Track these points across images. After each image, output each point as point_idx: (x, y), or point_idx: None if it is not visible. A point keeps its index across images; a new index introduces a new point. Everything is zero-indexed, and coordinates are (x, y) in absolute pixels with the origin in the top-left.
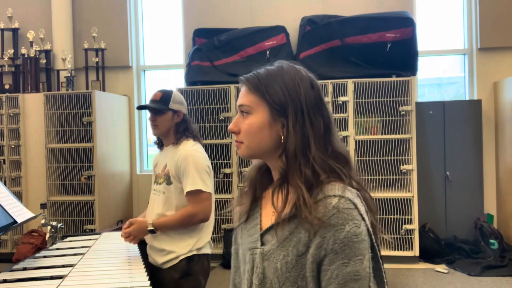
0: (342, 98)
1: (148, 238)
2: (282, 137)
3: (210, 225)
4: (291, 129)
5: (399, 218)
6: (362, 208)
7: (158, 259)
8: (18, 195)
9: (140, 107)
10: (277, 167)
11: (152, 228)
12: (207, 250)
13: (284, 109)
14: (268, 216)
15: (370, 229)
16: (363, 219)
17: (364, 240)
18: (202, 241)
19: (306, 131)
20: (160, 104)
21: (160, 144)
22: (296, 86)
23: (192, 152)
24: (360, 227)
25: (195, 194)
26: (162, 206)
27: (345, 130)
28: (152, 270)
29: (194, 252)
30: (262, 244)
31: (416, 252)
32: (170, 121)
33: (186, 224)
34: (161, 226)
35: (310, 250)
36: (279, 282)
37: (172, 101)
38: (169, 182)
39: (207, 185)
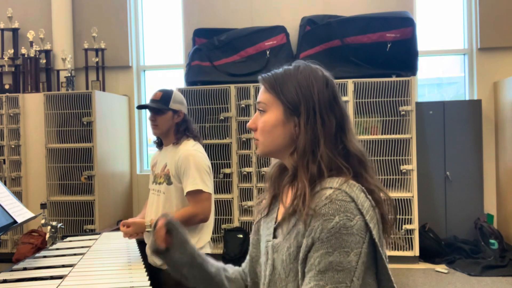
0: (342, 98)
1: (147, 239)
2: (295, 135)
3: (210, 225)
4: (303, 128)
5: (399, 218)
6: (364, 203)
7: (158, 260)
8: (18, 195)
9: (140, 107)
10: (289, 164)
11: (150, 229)
12: (207, 250)
13: (297, 108)
14: (283, 210)
15: (370, 225)
16: (361, 213)
17: (355, 234)
18: (202, 241)
19: (317, 130)
20: (160, 104)
21: (160, 144)
22: (310, 86)
23: (193, 152)
24: (353, 221)
25: (195, 194)
26: (162, 206)
27: None
28: (152, 271)
29: None
30: (274, 237)
31: (416, 252)
32: (171, 120)
33: (186, 224)
34: None
35: (305, 239)
36: (285, 273)
37: (172, 101)
38: (169, 182)
39: (208, 185)
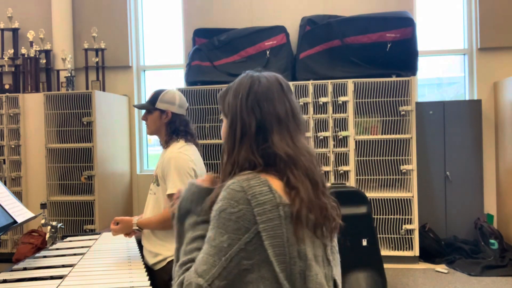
0: (342, 98)
1: (142, 239)
2: None
3: None
4: (227, 134)
5: (399, 218)
6: (259, 196)
7: (149, 260)
8: (18, 195)
9: (135, 106)
10: None
11: (137, 227)
12: None
13: (227, 116)
14: None
15: (258, 218)
16: (250, 204)
17: (234, 220)
18: None
19: (236, 134)
20: (148, 104)
21: None
22: (236, 95)
23: (177, 155)
24: (235, 208)
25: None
26: (152, 206)
27: (345, 130)
28: (147, 271)
29: None
30: None
31: (416, 252)
32: (158, 120)
33: (166, 226)
34: (144, 225)
35: None
36: None
37: (159, 101)
38: (158, 183)
39: None
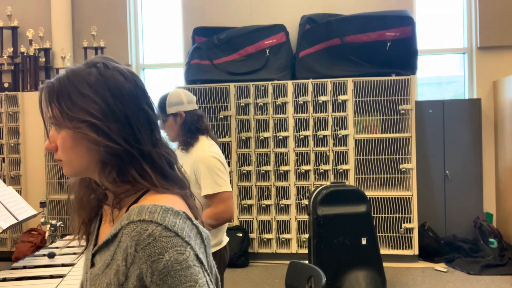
0: (341, 97)
1: None
2: None
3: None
4: None
5: (399, 217)
6: (190, 232)
7: None
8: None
9: None
10: None
11: None
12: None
13: None
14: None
15: (200, 256)
16: (189, 245)
17: (192, 266)
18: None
19: None
20: (159, 113)
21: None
22: None
23: (200, 156)
24: (185, 254)
25: (212, 197)
26: None
27: (345, 129)
28: None
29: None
30: (92, 264)
31: (415, 251)
32: (174, 125)
33: (215, 225)
34: None
35: (130, 280)
36: None
37: (167, 106)
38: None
39: (219, 184)
